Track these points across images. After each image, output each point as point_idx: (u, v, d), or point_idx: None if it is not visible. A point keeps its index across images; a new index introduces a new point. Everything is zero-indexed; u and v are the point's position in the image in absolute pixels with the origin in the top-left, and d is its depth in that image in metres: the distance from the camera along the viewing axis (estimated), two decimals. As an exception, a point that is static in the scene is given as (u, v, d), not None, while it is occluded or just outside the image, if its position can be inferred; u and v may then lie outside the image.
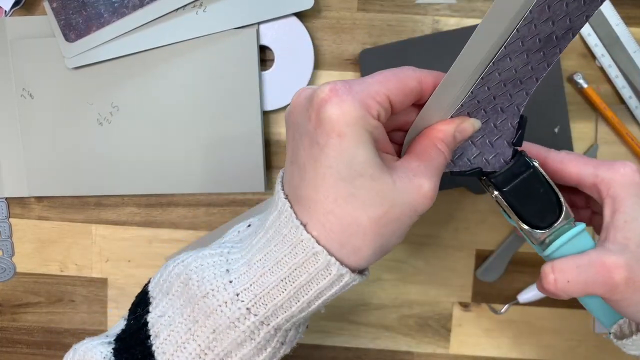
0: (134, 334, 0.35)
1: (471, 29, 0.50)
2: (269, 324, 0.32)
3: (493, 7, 0.31)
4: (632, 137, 0.51)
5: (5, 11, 0.51)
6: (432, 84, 0.33)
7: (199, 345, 0.33)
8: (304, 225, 0.31)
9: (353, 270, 0.31)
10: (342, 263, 0.31)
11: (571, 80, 0.52)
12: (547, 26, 0.31)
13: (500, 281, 0.54)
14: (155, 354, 0.34)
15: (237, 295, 0.32)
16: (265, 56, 0.52)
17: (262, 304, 0.32)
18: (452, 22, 0.52)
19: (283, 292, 0.31)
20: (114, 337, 0.36)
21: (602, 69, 0.51)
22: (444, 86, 0.33)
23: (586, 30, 0.51)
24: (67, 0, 0.50)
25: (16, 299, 0.57)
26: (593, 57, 0.51)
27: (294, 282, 0.31)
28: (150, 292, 0.36)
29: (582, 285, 0.34)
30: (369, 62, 0.50)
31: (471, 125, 0.35)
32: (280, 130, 0.53)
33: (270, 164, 0.54)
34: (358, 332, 0.56)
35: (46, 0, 0.50)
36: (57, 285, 0.56)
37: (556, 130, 0.50)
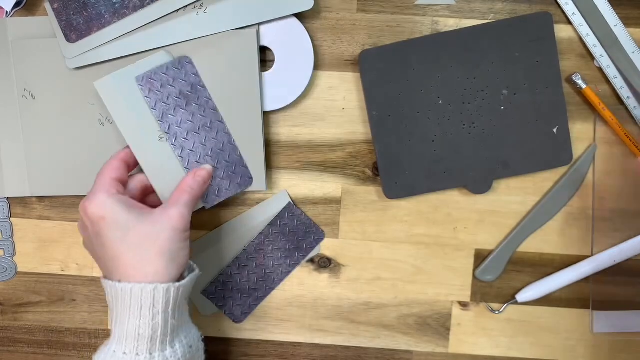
0: None
1: (470, 30, 0.50)
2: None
3: None
4: (631, 137, 0.52)
5: (7, 12, 0.51)
6: (126, 158, 0.48)
7: None
8: (119, 281, 0.43)
9: (171, 281, 0.43)
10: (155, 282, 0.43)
11: (570, 80, 0.52)
12: None
13: (499, 281, 0.55)
14: None
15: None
16: (265, 57, 0.52)
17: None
18: (451, 23, 0.52)
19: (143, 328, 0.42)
20: None
21: (600, 70, 0.52)
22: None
23: (585, 31, 0.51)
24: (68, 1, 0.50)
25: (17, 299, 0.57)
26: (592, 57, 0.52)
27: (143, 317, 0.42)
28: None
29: None
30: (368, 62, 0.51)
31: (205, 170, 0.49)
32: (280, 130, 0.54)
33: (270, 164, 0.54)
34: (358, 332, 0.56)
35: (47, 1, 0.50)
36: (58, 284, 0.56)
37: (555, 130, 0.51)
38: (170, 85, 0.50)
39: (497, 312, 0.55)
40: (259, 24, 0.50)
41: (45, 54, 0.51)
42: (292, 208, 0.54)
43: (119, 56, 0.51)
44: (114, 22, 0.50)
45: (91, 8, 0.50)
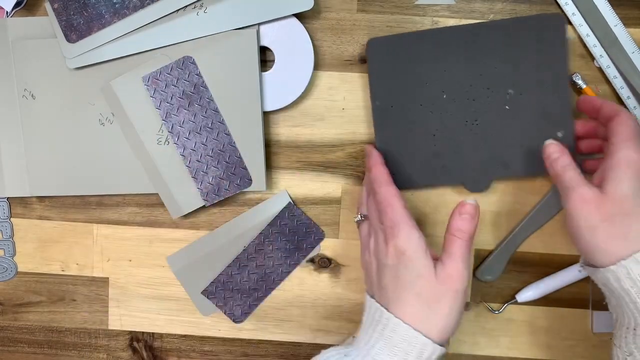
0: None
1: (480, 26, 0.50)
2: None
3: None
4: (631, 137, 0.52)
5: (7, 12, 0.51)
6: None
7: None
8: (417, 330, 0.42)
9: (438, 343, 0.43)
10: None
11: (570, 80, 0.52)
12: None
13: (499, 281, 0.55)
14: None
15: None
16: (265, 57, 0.52)
17: None
18: (451, 23, 0.52)
19: None
20: None
21: (600, 70, 0.52)
22: None
23: (585, 31, 0.51)
24: (69, 1, 0.50)
25: (18, 299, 0.57)
26: (592, 57, 0.52)
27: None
28: None
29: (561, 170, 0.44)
30: (376, 50, 0.50)
31: (471, 205, 0.45)
32: (280, 130, 0.54)
33: (270, 164, 0.54)
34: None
35: (47, 1, 0.50)
36: (58, 284, 0.56)
37: (560, 134, 0.50)
38: (174, 86, 0.50)
39: (497, 312, 0.55)
40: (259, 24, 0.50)
41: (45, 54, 0.51)
42: (292, 208, 0.54)
43: (119, 56, 0.51)
44: (114, 22, 0.50)
45: (91, 8, 0.50)
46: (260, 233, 0.54)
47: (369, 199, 0.48)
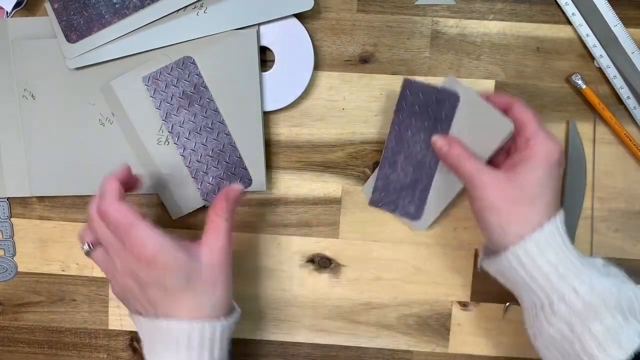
0: None
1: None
2: None
3: None
4: (631, 137, 0.52)
5: (7, 12, 0.51)
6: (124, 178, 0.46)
7: None
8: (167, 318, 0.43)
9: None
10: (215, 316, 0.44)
11: (570, 80, 0.52)
12: None
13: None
14: None
15: None
16: (265, 57, 0.52)
17: None
18: (451, 23, 0.52)
19: None
20: None
21: (600, 70, 0.52)
22: None
23: (585, 31, 0.51)
24: (69, 1, 0.50)
25: (18, 299, 0.57)
26: (592, 57, 0.52)
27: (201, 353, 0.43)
28: None
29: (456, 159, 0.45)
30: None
31: (235, 190, 0.46)
32: (280, 130, 0.54)
33: (270, 164, 0.54)
34: (358, 331, 0.56)
35: (47, 1, 0.50)
36: (58, 284, 0.56)
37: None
38: (174, 86, 0.50)
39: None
40: (259, 24, 0.51)
41: (45, 54, 0.51)
42: (410, 84, 0.49)
43: (119, 56, 0.51)
44: (115, 22, 0.50)
45: (91, 8, 0.50)
46: (393, 123, 0.51)
47: (94, 224, 0.44)
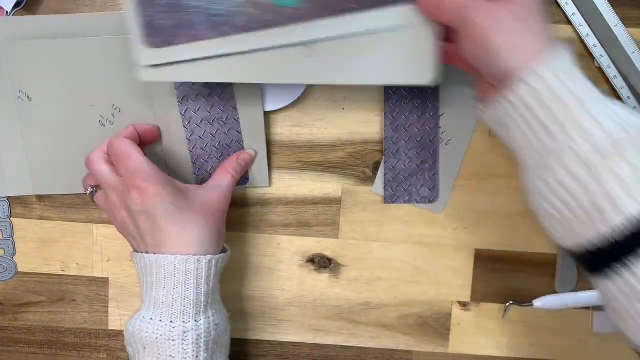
0: None
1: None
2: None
3: None
4: (631, 137, 0.52)
5: (7, 12, 0.51)
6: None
7: None
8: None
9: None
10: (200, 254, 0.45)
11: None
12: None
13: (499, 281, 0.55)
14: None
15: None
16: (265, 57, 0.52)
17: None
18: (451, 23, 0.52)
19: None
20: None
21: (600, 70, 0.52)
22: None
23: (585, 31, 0.51)
24: None
25: (17, 299, 0.57)
26: (592, 57, 0.52)
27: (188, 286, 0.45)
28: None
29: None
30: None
31: (248, 154, 0.52)
32: (280, 130, 0.54)
33: (270, 164, 0.54)
34: (358, 332, 0.56)
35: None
36: (58, 284, 0.56)
37: None
38: None
39: (528, 305, 0.54)
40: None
41: (42, 54, 0.51)
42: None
43: (200, 81, 0.44)
44: (210, 37, 0.41)
45: (183, 12, 0.41)
46: (385, 113, 0.51)
47: (93, 165, 0.48)
